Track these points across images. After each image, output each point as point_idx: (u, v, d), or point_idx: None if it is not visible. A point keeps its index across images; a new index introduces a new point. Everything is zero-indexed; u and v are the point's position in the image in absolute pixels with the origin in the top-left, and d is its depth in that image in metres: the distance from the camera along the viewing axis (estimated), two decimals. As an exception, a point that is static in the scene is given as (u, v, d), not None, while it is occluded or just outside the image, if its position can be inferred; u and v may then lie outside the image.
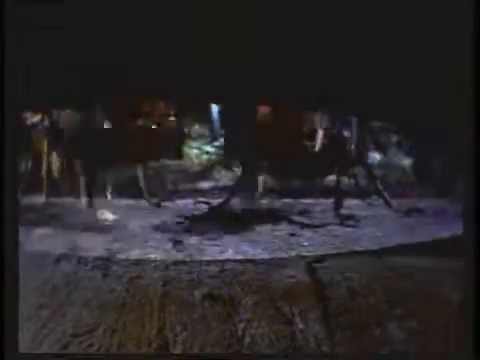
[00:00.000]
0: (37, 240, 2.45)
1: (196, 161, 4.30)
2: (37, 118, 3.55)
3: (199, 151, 4.37)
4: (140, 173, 3.56)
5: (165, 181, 3.84)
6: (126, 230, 2.77)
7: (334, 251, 2.34)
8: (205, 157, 4.35)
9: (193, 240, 2.53)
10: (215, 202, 3.44)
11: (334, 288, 1.72)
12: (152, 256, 2.21)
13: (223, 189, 3.73)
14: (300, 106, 3.34)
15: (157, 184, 3.72)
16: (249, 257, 2.20)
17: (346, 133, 3.61)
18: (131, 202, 3.48)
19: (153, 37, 2.05)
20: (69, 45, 1.98)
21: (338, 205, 3.31)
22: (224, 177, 4.05)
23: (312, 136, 3.57)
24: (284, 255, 2.25)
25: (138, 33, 1.98)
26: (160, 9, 1.89)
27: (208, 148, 4.40)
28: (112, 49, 2.11)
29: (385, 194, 3.43)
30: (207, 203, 3.48)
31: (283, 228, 2.88)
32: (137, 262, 2.08)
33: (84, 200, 3.40)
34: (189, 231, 2.75)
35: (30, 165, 3.50)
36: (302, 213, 3.27)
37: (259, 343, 1.31)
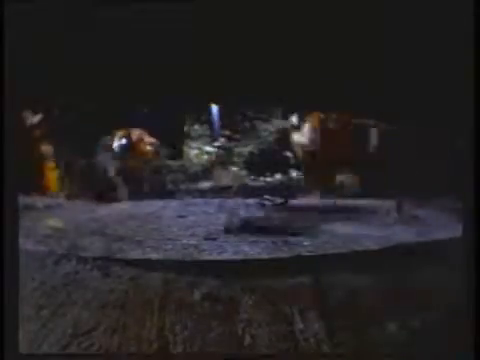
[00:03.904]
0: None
1: (196, 161, 4.30)
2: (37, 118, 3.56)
3: (199, 151, 4.37)
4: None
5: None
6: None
7: (335, 251, 2.32)
8: (205, 157, 4.35)
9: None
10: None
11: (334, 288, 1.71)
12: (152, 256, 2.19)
13: (223, 189, 3.71)
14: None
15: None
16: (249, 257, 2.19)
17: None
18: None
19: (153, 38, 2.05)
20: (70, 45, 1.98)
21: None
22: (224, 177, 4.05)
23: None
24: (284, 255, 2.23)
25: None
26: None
27: (208, 148, 4.40)
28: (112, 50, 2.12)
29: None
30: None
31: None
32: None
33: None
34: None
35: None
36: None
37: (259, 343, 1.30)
